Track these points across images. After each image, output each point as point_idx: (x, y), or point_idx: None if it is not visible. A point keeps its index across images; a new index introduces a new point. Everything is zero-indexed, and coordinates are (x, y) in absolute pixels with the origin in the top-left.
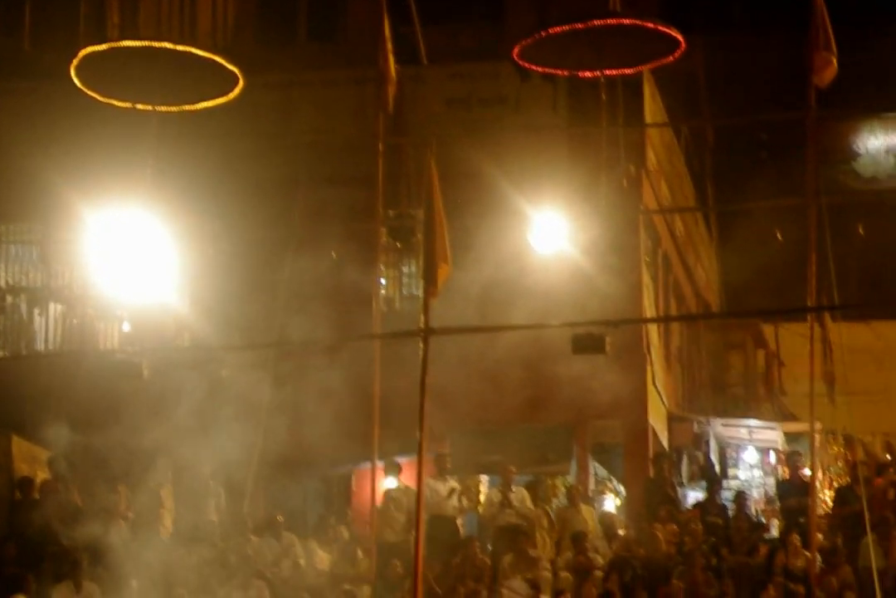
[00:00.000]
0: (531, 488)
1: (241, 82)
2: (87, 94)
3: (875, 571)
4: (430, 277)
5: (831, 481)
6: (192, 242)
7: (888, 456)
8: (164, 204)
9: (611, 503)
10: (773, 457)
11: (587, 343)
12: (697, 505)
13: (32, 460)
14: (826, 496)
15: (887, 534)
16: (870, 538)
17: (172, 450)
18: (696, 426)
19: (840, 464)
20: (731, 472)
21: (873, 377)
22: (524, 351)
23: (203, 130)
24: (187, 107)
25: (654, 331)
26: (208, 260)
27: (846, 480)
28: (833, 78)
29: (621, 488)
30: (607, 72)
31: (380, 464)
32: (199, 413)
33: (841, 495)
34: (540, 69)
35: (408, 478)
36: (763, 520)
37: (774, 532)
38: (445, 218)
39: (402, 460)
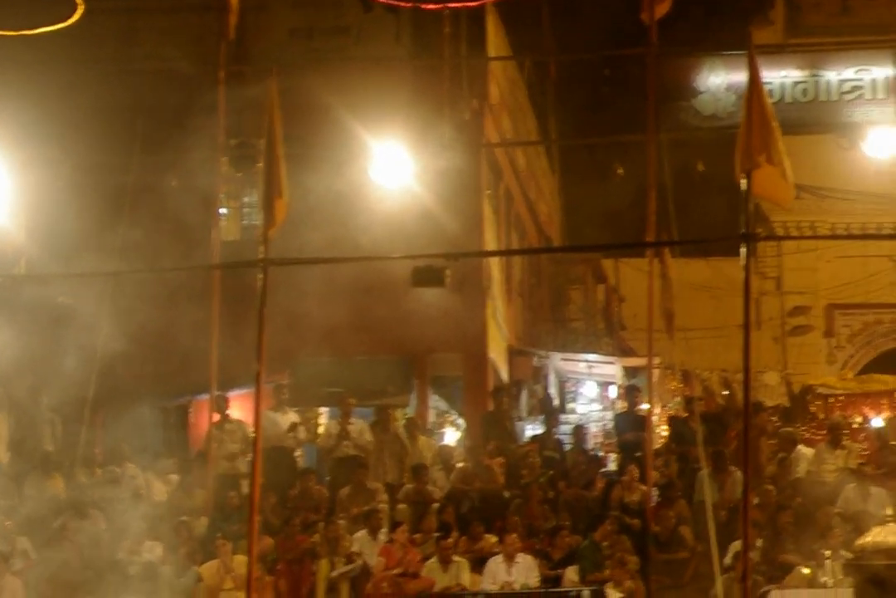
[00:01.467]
0: (381, 413)
1: (80, 8)
2: None
3: (709, 505)
4: (269, 207)
5: (669, 416)
6: (31, 168)
7: (725, 392)
8: (1, 130)
9: (450, 436)
10: (611, 391)
11: (427, 276)
12: (535, 439)
13: None
14: (663, 431)
15: (722, 468)
16: (705, 472)
17: (7, 378)
18: (535, 360)
19: (678, 399)
20: (569, 406)
21: (711, 314)
22: (364, 283)
23: (42, 56)
24: (25, 31)
25: (494, 265)
26: (47, 187)
27: (683, 414)
28: (666, 12)
29: (460, 421)
30: (451, 4)
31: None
32: (36, 341)
33: (675, 429)
34: (383, 0)
35: (247, 409)
36: (600, 454)
37: (612, 466)
38: (287, 148)
39: (241, 392)
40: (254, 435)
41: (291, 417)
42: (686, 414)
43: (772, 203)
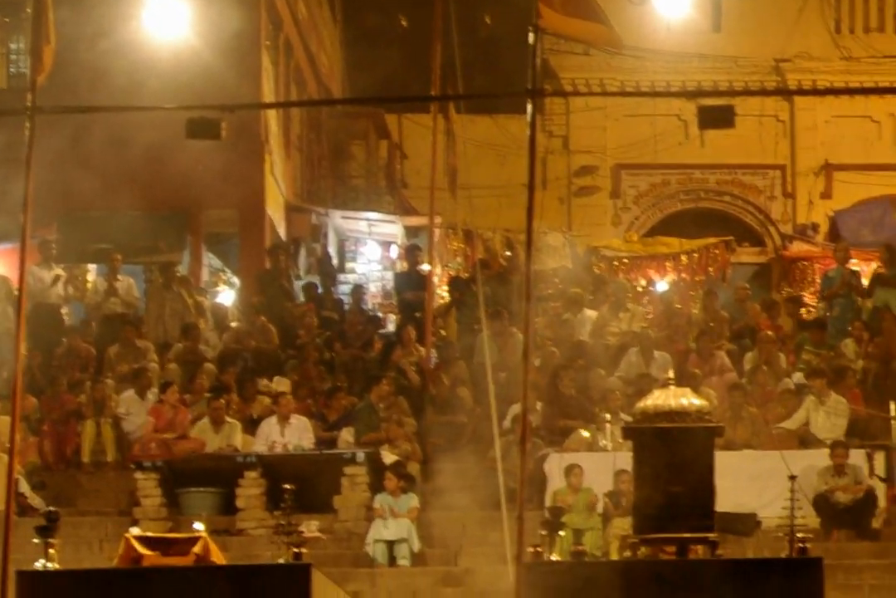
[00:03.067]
0: (166, 271)
1: None
2: None
3: (489, 367)
4: (37, 54)
5: (450, 276)
6: None
7: (507, 252)
8: None
9: (225, 295)
10: (392, 251)
11: (202, 128)
12: (313, 299)
13: None
14: (444, 292)
15: (503, 330)
16: (485, 333)
17: None
18: (314, 218)
19: (459, 259)
20: (349, 265)
21: (496, 172)
22: (137, 136)
23: None
24: None
25: (273, 118)
26: None
27: (464, 275)
28: None
29: (235, 280)
30: None
31: None
32: None
33: (456, 290)
34: None
35: (11, 265)
36: (379, 315)
37: (391, 327)
38: None
39: (6, 247)
40: (18, 292)
41: (58, 273)
42: (467, 274)
43: (599, 48)
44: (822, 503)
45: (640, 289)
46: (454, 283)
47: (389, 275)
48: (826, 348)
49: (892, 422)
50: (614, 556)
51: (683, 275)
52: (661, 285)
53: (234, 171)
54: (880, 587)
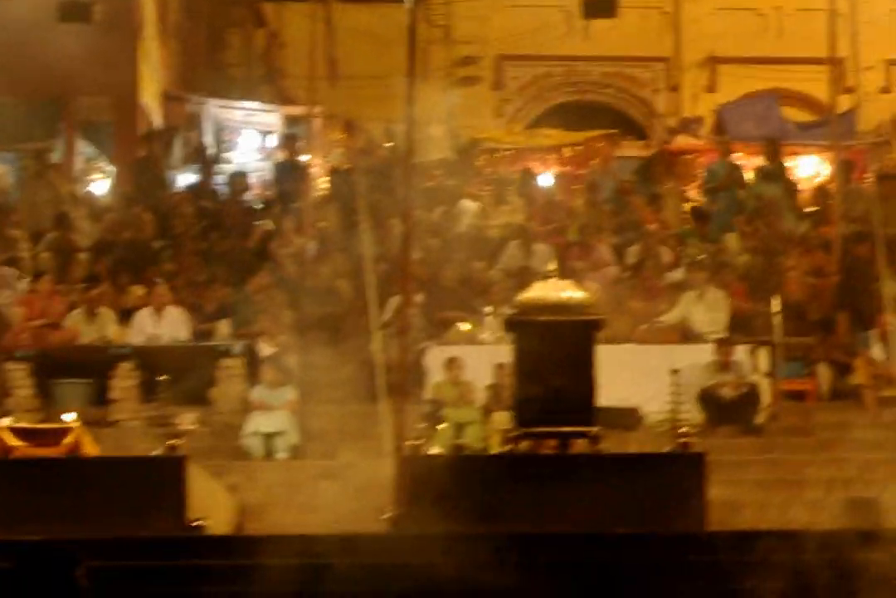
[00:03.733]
0: (39, 159)
1: None
2: None
3: (368, 259)
4: None
5: (330, 167)
6: None
7: (389, 143)
8: None
9: (99, 184)
10: (271, 141)
11: (73, 11)
12: (190, 188)
13: None
14: (324, 183)
15: (382, 222)
16: (365, 225)
17: None
18: (190, 107)
19: (339, 150)
20: (227, 155)
21: (376, 62)
22: (4, 19)
23: None
24: None
25: (147, 3)
26: None
27: (344, 166)
28: None
29: (111, 169)
30: None
31: None
32: None
33: (336, 182)
34: None
35: None
36: (258, 205)
37: (269, 218)
38: None
39: None
40: None
41: None
42: (347, 166)
43: None
44: (707, 399)
45: (521, 181)
46: (334, 175)
47: (268, 165)
48: (709, 242)
49: (774, 317)
50: (495, 450)
51: (566, 168)
52: (544, 178)
53: (108, 57)
54: (762, 483)
